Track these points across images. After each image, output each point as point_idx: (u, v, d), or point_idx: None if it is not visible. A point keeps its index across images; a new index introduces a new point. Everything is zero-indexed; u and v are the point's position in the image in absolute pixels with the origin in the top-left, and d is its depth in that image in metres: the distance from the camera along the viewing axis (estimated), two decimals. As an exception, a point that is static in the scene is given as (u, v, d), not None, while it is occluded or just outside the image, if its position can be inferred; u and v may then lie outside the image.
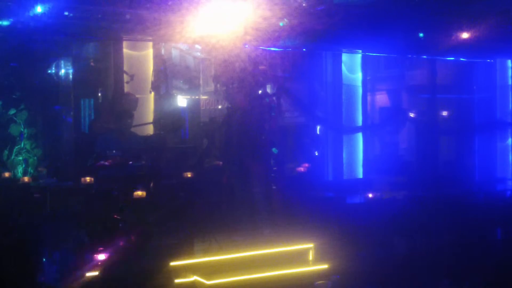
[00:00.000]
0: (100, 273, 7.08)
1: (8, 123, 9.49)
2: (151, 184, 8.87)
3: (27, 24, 8.65)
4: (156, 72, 11.06)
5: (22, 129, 9.55)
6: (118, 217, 8.23)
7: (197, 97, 13.42)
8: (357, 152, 13.11)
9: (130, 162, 9.18)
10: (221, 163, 9.90)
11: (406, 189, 12.22)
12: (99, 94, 11.24)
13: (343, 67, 12.91)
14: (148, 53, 11.16)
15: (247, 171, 8.86)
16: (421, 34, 11.30)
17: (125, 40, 10.79)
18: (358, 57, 13.04)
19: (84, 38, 10.55)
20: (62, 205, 8.58)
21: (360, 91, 13.15)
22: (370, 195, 11.83)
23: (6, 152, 9.45)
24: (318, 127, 13.23)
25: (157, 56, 11.23)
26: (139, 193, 8.27)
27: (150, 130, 10.81)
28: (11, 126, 9.49)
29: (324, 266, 8.00)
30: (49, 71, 10.38)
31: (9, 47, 9.18)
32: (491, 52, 13.69)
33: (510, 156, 14.81)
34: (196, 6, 8.28)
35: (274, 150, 9.79)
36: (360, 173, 13.11)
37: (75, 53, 10.76)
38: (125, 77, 10.78)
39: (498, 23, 10.44)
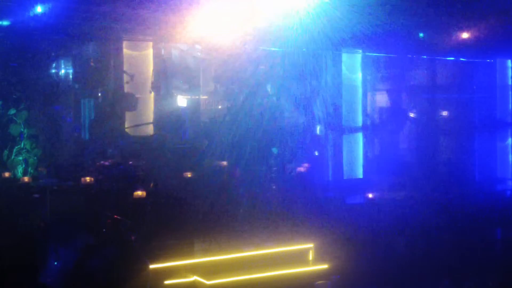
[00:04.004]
0: (99, 272, 7.08)
1: (8, 123, 9.49)
2: (151, 184, 8.87)
3: (27, 24, 8.65)
4: (156, 72, 11.06)
5: (22, 129, 9.55)
6: (118, 217, 8.24)
7: (197, 97, 13.41)
8: (357, 152, 13.10)
9: (130, 162, 9.18)
10: (221, 163, 9.90)
11: (406, 189, 12.21)
12: (99, 94, 11.24)
13: (343, 67, 12.90)
14: (148, 53, 11.16)
15: (247, 171, 8.86)
16: (421, 34, 11.30)
17: (125, 40, 10.79)
18: (358, 57, 13.03)
19: (84, 38, 10.55)
20: (62, 205, 8.57)
21: (360, 91, 13.14)
22: (370, 195, 11.82)
23: (6, 152, 9.46)
24: (318, 127, 13.22)
25: (157, 56, 11.24)
26: (139, 193, 8.28)
27: (150, 130, 10.81)
28: (11, 126, 9.49)
29: (324, 266, 7.99)
30: (49, 71, 10.38)
31: (9, 47, 9.17)
32: (491, 52, 13.69)
33: (510, 156, 14.81)
34: (196, 6, 8.28)
35: (274, 150, 9.79)
36: (360, 173, 13.09)
37: (75, 53, 10.76)
38: (125, 77, 10.78)
39: (498, 23, 10.44)
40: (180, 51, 12.84)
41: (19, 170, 9.49)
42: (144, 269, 7.14)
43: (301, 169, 10.95)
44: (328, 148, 12.97)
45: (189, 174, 9.42)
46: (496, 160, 14.67)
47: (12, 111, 9.48)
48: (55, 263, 7.41)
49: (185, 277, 7.42)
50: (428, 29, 11.01)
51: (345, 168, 12.92)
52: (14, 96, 9.57)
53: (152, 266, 7.20)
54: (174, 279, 7.35)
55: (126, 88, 10.78)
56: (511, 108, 14.76)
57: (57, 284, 7.18)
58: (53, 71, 10.48)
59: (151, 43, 11.09)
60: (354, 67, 13.07)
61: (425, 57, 13.96)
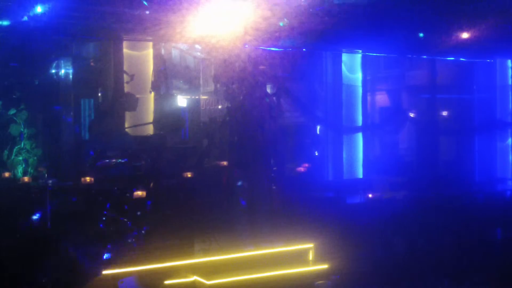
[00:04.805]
0: (99, 272, 7.08)
1: (8, 123, 9.49)
2: (151, 184, 8.87)
3: (27, 24, 8.64)
4: (156, 72, 11.06)
5: (22, 129, 9.55)
6: (118, 217, 8.24)
7: (197, 97, 13.42)
8: (357, 152, 13.11)
9: (130, 162, 9.18)
10: (221, 163, 9.91)
11: (406, 189, 12.22)
12: (99, 94, 11.24)
13: (343, 67, 12.91)
14: (148, 53, 11.16)
15: (247, 171, 8.86)
16: (421, 34, 11.30)
17: (125, 40, 10.79)
18: (358, 57, 13.04)
19: (84, 38, 10.55)
20: (62, 205, 8.58)
21: (360, 91, 13.15)
22: (370, 195, 11.83)
23: (6, 152, 9.45)
24: (318, 127, 13.23)
25: (157, 56, 11.23)
26: (139, 193, 8.28)
27: (150, 130, 10.81)
28: (11, 126, 9.48)
29: (324, 266, 8.00)
30: (49, 71, 10.37)
31: (9, 47, 9.17)
32: (491, 52, 13.69)
33: (510, 156, 14.81)
34: (196, 6, 8.28)
35: (274, 150, 9.79)
36: (360, 173, 13.11)
37: (75, 53, 10.76)
38: (125, 77, 10.78)
39: (498, 23, 10.44)
40: (180, 51, 12.85)
41: (19, 170, 9.48)
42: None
43: (301, 169, 10.95)
44: (328, 148, 12.98)
45: (189, 174, 9.41)
46: (496, 160, 14.67)
47: (12, 111, 9.47)
48: (55, 262, 7.41)
49: (185, 277, 7.42)
50: (428, 29, 11.00)
51: (345, 168, 12.93)
52: (14, 96, 9.56)
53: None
54: (174, 279, 7.36)
55: (126, 88, 10.78)
56: (511, 108, 14.76)
57: (57, 283, 7.19)
58: (53, 71, 10.48)
59: (151, 43, 11.09)
60: (354, 67, 13.07)
61: (425, 57, 13.96)
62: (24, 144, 9.53)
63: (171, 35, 9.72)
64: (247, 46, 9.33)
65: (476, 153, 14.67)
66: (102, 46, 11.03)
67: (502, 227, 11.31)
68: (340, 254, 8.27)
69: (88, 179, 8.58)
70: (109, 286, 7.09)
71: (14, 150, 9.49)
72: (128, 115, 10.78)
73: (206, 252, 8.00)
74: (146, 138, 10.28)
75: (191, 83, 13.34)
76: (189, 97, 13.35)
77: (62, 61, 10.59)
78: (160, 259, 7.41)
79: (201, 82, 13.44)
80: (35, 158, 9.57)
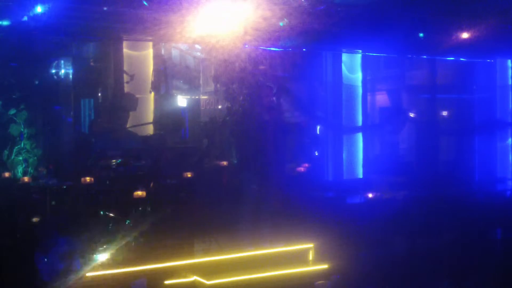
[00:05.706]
0: (99, 272, 7.08)
1: (8, 123, 9.49)
2: (151, 184, 8.87)
3: (27, 24, 8.65)
4: (156, 72, 11.07)
5: (22, 129, 9.55)
6: (118, 217, 8.24)
7: (197, 97, 13.42)
8: (357, 152, 13.11)
9: (130, 162, 9.19)
10: (221, 163, 9.91)
11: (406, 189, 12.21)
12: (99, 94, 11.25)
13: (343, 67, 12.90)
14: (148, 53, 11.17)
15: (246, 171, 8.86)
16: (421, 34, 11.30)
17: (125, 40, 10.80)
18: (358, 57, 13.04)
19: (84, 38, 10.56)
20: (62, 205, 8.58)
21: (360, 91, 13.15)
22: (370, 195, 11.83)
23: (6, 152, 9.45)
24: (318, 127, 13.23)
25: (157, 56, 11.25)
26: (139, 193, 8.28)
27: (150, 130, 10.82)
28: (11, 126, 9.49)
29: (324, 266, 8.00)
30: (49, 71, 10.38)
31: (9, 47, 9.17)
32: (491, 52, 13.69)
33: (510, 156, 14.81)
34: (196, 6, 8.28)
35: (274, 150, 9.79)
36: (360, 173, 13.10)
37: (75, 53, 10.76)
38: (125, 77, 10.79)
39: (498, 23, 10.44)
40: (180, 51, 12.86)
41: (19, 170, 9.49)
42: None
43: (301, 169, 10.95)
44: (328, 148, 12.98)
45: (189, 174, 9.42)
46: (496, 160, 14.67)
47: (12, 111, 9.48)
48: (55, 262, 7.40)
49: (185, 277, 7.42)
50: (428, 29, 11.00)
51: (345, 168, 12.93)
52: (14, 96, 9.56)
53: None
54: (174, 279, 7.36)
55: (126, 88, 10.79)
56: (511, 108, 14.76)
57: (56, 284, 7.19)
58: (53, 71, 10.48)
59: (151, 43, 11.10)
60: (354, 67, 13.07)
61: (425, 57, 13.96)
62: (24, 144, 9.54)
63: (171, 35, 9.72)
64: (247, 46, 9.33)
65: (476, 153, 14.67)
66: (102, 46, 11.03)
67: (502, 227, 11.30)
68: (340, 254, 8.27)
69: (88, 179, 8.59)
70: (110, 286, 7.09)
71: (14, 150, 9.49)
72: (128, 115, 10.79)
73: (206, 252, 7.99)
74: (146, 138, 10.29)
75: (191, 83, 13.34)
76: (189, 97, 13.35)
77: (62, 61, 10.59)
78: (160, 259, 7.41)
79: (201, 82, 13.44)
80: (35, 158, 9.58)
